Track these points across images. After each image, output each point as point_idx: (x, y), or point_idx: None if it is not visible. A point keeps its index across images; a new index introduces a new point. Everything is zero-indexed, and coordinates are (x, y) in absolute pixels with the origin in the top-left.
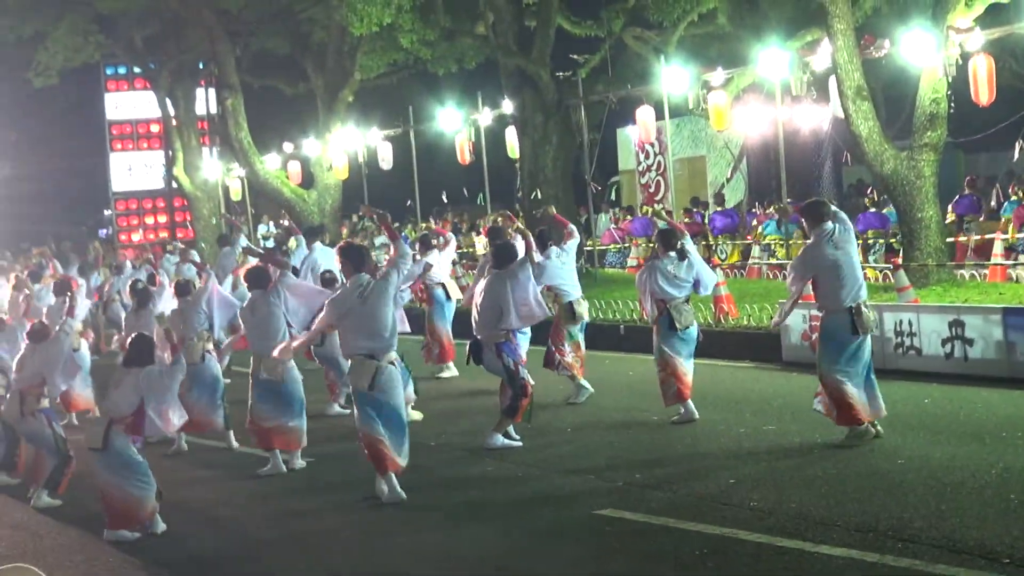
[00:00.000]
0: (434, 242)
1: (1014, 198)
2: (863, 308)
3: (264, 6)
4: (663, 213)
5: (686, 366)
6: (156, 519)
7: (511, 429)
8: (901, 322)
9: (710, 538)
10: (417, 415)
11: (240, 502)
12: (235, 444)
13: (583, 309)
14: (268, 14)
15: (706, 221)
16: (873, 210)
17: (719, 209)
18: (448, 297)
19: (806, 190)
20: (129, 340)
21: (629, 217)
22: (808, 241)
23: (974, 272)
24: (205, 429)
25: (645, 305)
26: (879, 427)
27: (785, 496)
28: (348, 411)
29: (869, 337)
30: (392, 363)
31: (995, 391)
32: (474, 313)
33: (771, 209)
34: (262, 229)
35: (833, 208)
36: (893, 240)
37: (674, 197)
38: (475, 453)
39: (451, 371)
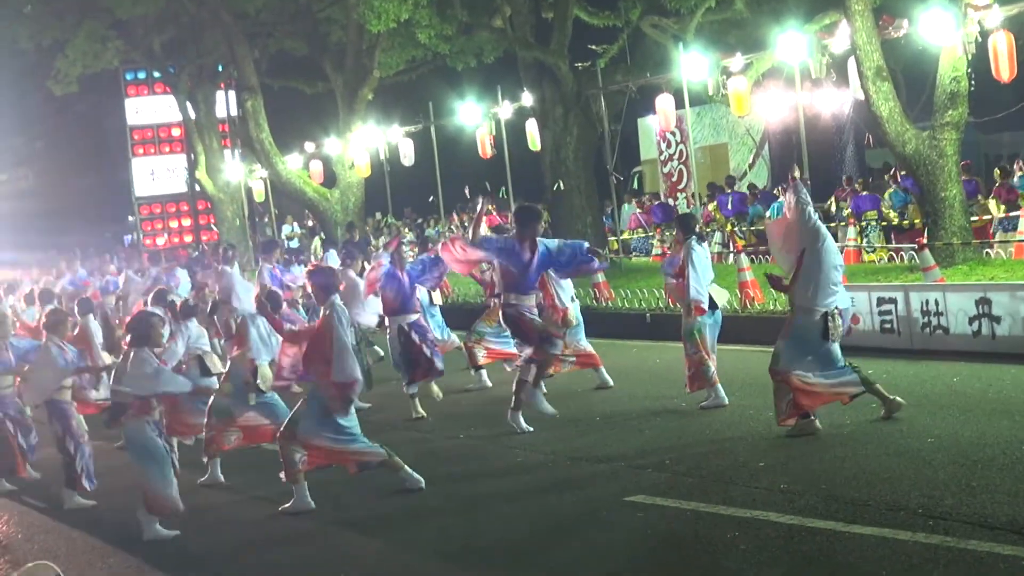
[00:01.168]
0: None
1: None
2: (838, 316)
3: (282, 7)
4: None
5: (713, 350)
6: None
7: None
8: (927, 302)
9: (741, 521)
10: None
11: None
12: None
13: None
14: (286, 15)
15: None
16: (865, 192)
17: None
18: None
19: (829, 173)
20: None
21: (656, 201)
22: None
23: (999, 250)
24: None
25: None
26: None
27: (815, 478)
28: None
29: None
30: None
31: (1023, 368)
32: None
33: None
34: (286, 230)
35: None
36: (917, 221)
37: (696, 185)
38: (504, 445)
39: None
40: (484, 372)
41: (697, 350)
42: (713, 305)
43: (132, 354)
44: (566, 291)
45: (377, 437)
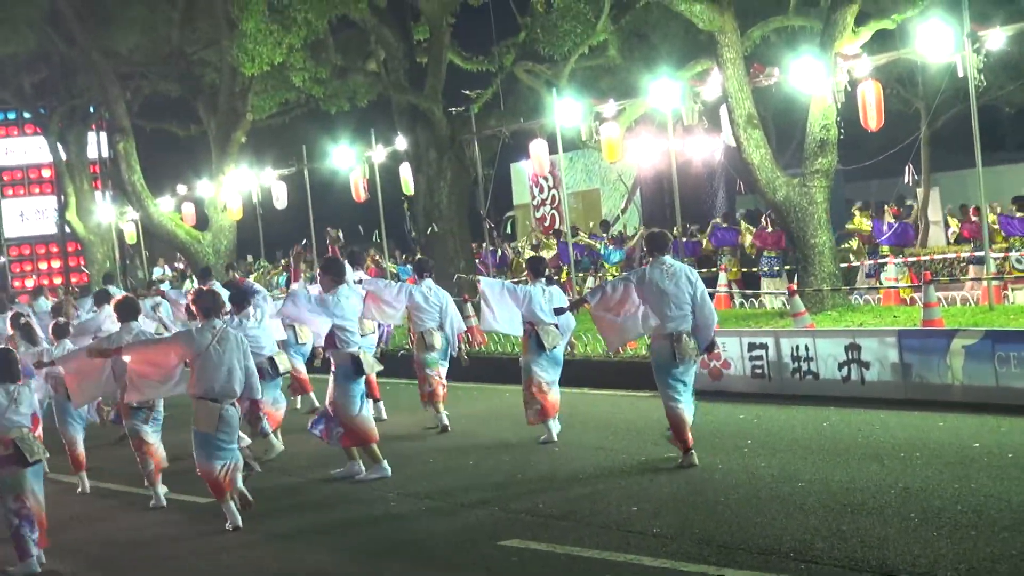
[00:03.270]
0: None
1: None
2: (684, 337)
3: (154, 48)
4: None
5: (553, 386)
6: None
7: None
8: (798, 347)
9: (615, 565)
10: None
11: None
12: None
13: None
14: (158, 56)
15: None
16: (725, 225)
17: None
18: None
19: (700, 219)
20: None
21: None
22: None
23: (868, 297)
24: None
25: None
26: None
27: (688, 521)
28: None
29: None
30: (233, 405)
31: (892, 413)
32: None
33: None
34: (157, 272)
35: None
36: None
37: (569, 230)
38: (376, 489)
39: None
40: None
41: (527, 387)
42: (541, 346)
43: None
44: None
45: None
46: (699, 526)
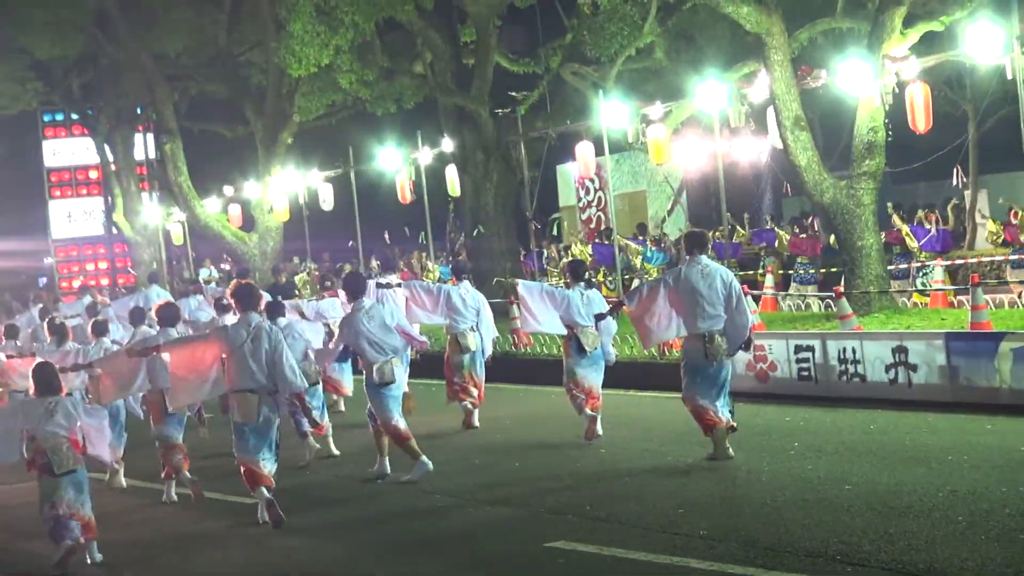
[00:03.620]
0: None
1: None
2: (717, 337)
3: (202, 50)
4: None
5: (595, 388)
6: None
7: None
8: (844, 350)
9: (661, 567)
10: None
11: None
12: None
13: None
14: (206, 58)
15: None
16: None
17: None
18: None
19: (750, 218)
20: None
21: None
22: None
23: (916, 300)
24: None
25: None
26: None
27: (734, 523)
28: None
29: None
30: (271, 396)
31: (940, 415)
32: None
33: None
34: (203, 273)
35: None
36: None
37: (616, 232)
38: (422, 489)
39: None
40: None
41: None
42: (582, 348)
43: None
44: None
45: (293, 478)
46: (745, 528)
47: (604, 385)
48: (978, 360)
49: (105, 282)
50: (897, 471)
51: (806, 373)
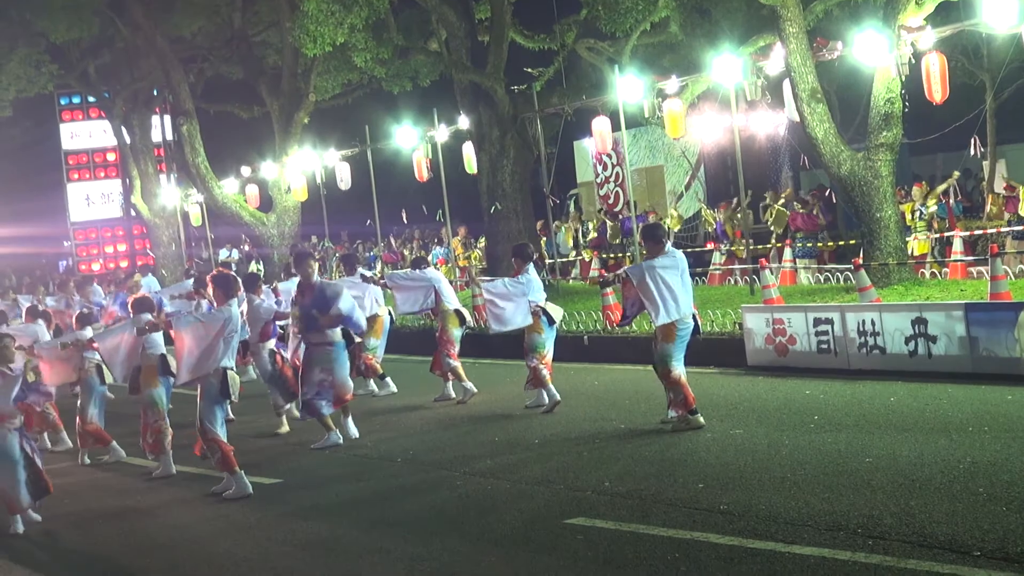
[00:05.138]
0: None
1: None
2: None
3: (217, 31)
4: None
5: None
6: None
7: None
8: (864, 322)
9: (681, 542)
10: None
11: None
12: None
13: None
14: (221, 39)
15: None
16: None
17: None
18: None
19: (764, 195)
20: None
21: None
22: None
23: (935, 271)
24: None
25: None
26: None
27: (755, 498)
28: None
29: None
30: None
31: (960, 387)
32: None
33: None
34: (224, 254)
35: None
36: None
37: (633, 207)
38: (440, 467)
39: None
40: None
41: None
42: (552, 322)
43: None
44: None
45: (315, 459)
46: (766, 503)
47: (626, 361)
48: (998, 330)
49: (124, 264)
50: (917, 443)
51: (825, 346)
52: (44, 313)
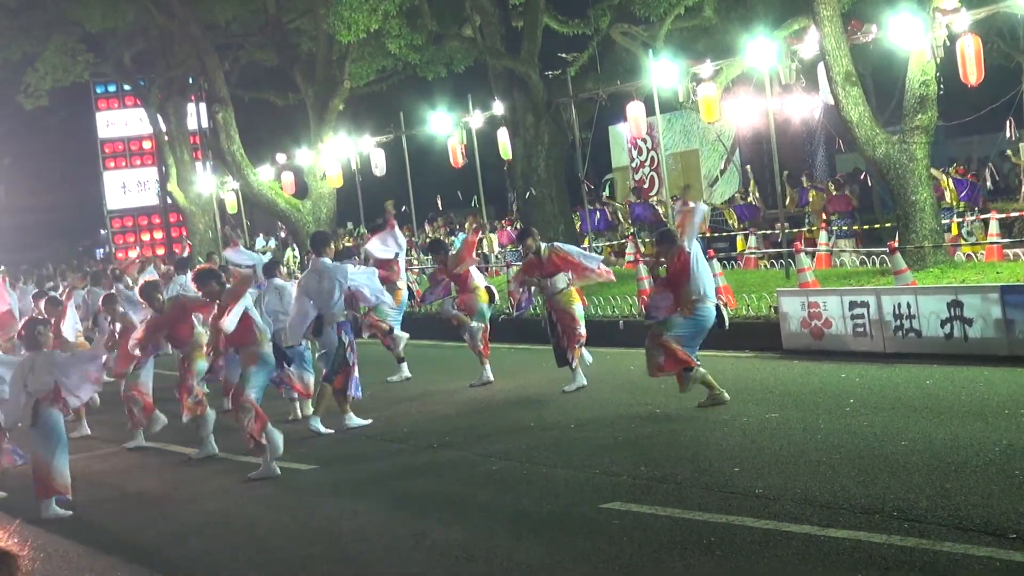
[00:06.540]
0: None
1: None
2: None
3: (251, 18)
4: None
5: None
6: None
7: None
8: (900, 305)
9: (717, 526)
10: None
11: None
12: None
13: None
14: (256, 26)
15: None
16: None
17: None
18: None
19: (800, 178)
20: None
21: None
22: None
23: (971, 253)
24: None
25: None
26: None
27: (790, 482)
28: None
29: None
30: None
31: (996, 369)
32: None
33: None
34: (259, 243)
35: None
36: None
37: (668, 192)
38: (477, 453)
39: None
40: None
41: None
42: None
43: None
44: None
45: (351, 446)
46: (801, 486)
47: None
48: None
49: (161, 251)
50: (953, 426)
51: (861, 329)
52: (53, 299)
